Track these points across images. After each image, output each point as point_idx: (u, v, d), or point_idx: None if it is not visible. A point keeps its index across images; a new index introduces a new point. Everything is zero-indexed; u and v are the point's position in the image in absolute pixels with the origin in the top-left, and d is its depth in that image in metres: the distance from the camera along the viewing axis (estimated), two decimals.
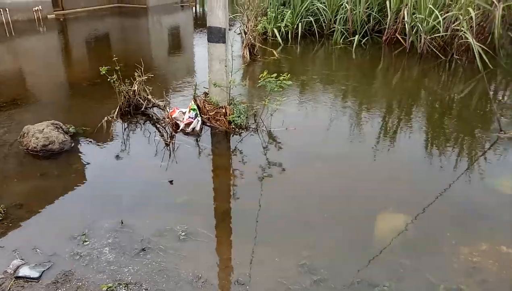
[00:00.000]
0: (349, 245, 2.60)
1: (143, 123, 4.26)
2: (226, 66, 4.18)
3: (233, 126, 4.11)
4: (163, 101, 4.40)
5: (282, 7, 8.52)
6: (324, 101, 5.09)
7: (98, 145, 3.83)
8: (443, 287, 2.24)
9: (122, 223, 2.66)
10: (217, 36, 4.10)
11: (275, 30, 8.10)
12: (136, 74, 4.27)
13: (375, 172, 3.50)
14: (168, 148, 3.80)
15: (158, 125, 4.20)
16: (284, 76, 3.98)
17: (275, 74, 4.05)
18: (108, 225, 2.65)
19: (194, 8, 15.22)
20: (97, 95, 5.06)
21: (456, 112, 4.86)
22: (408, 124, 4.43)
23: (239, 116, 4.11)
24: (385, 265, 2.40)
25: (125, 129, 4.16)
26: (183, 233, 2.58)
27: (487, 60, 6.08)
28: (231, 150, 3.82)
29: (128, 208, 2.89)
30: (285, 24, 8.15)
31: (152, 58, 7.37)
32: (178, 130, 4.03)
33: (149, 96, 4.39)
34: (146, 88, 4.39)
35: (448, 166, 3.56)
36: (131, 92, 4.30)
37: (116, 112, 4.20)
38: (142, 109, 4.36)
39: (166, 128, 4.11)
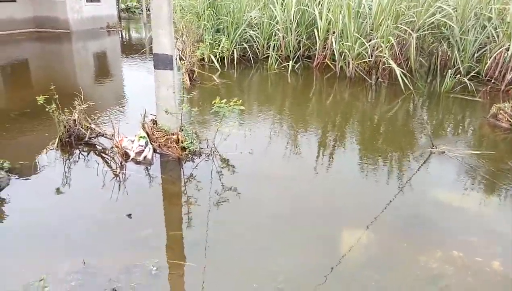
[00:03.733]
0: (312, 264, 2.65)
1: (88, 154, 3.96)
2: (174, 92, 4.10)
3: (187, 153, 4.01)
4: (105, 130, 4.16)
5: (217, 33, 8.67)
6: (270, 124, 5.22)
7: (39, 180, 3.47)
8: None
9: (84, 263, 2.41)
10: (164, 63, 4.03)
11: (212, 56, 8.18)
12: (75, 102, 3.99)
13: (327, 189, 3.66)
14: (118, 179, 3.58)
15: (105, 156, 3.94)
16: (236, 102, 4.02)
17: (224, 100, 4.07)
18: (68, 266, 2.39)
19: (120, 33, 14.78)
20: (29, 126, 4.60)
21: (388, 130, 5.31)
22: (348, 144, 4.72)
23: (192, 142, 4.03)
24: (353, 280, 2.49)
25: (68, 161, 3.83)
26: (155, 268, 2.42)
27: (407, 83, 6.77)
28: (186, 177, 3.71)
29: (87, 246, 2.64)
30: (221, 50, 8.29)
31: (80, 85, 6.95)
32: (129, 159, 3.82)
33: (92, 125, 4.12)
34: (87, 117, 4.11)
35: (391, 180, 3.85)
36: (72, 122, 3.99)
37: (56, 144, 3.86)
38: (86, 139, 4.07)
39: (115, 158, 3.88)
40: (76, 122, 4.03)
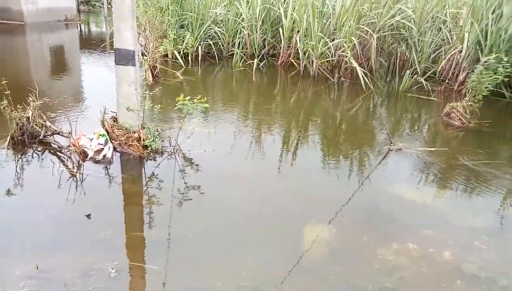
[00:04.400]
0: (280, 261, 2.68)
1: (42, 154, 3.78)
2: (136, 89, 4.00)
3: (149, 151, 3.93)
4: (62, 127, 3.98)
5: (181, 29, 8.53)
6: (234, 121, 5.21)
7: None
8: (372, 288, 2.47)
9: (37, 268, 2.30)
10: (125, 58, 3.92)
11: (176, 52, 8.05)
12: (29, 99, 3.80)
13: (290, 187, 3.71)
14: (76, 179, 3.44)
15: (61, 155, 3.77)
16: (200, 99, 3.98)
17: (188, 97, 4.02)
18: (20, 272, 2.27)
19: (79, 26, 14.21)
20: None
21: (349, 128, 5.45)
22: (311, 142, 4.81)
23: (154, 140, 3.95)
24: (315, 274, 2.55)
25: (20, 161, 3.63)
26: (114, 270, 2.36)
27: (368, 82, 6.98)
28: (148, 176, 3.64)
29: (41, 250, 2.52)
30: (185, 46, 8.17)
31: (35, 81, 6.62)
32: (87, 158, 3.69)
33: (48, 123, 3.93)
34: (42, 114, 3.92)
35: (352, 177, 3.97)
36: (25, 119, 3.80)
37: (7, 142, 3.65)
38: (40, 137, 3.88)
39: (72, 157, 3.73)
40: (30, 120, 3.84)
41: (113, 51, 3.92)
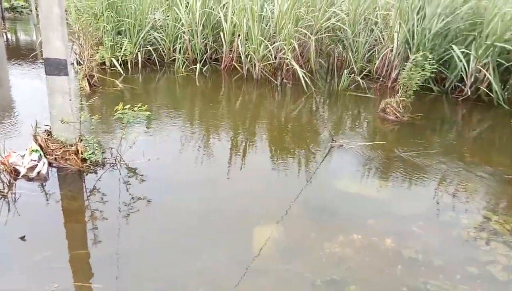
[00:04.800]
0: (232, 264, 2.69)
1: None
2: (70, 100, 3.80)
3: (88, 164, 3.74)
4: None
5: (118, 36, 8.24)
6: (179, 128, 5.13)
7: None
8: (320, 281, 2.55)
9: None
10: (57, 68, 3.71)
11: (114, 60, 7.76)
12: None
13: (239, 190, 3.73)
14: (7, 200, 3.19)
15: None
16: (140, 107, 3.87)
17: (128, 105, 3.90)
18: None
19: (5, 35, 13.21)
20: None
21: (294, 128, 5.59)
22: (257, 143, 4.87)
23: (93, 153, 3.77)
24: (267, 275, 2.58)
25: None
26: None
27: (309, 83, 7.20)
28: (89, 190, 3.46)
29: None
30: (124, 53, 7.90)
31: None
32: (19, 177, 3.43)
33: None
34: None
35: (298, 174, 4.07)
36: None
37: None
38: None
39: (2, 176, 3.45)
40: None
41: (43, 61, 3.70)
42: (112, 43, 7.88)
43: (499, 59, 6.98)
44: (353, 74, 7.95)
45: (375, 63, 8.20)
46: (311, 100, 6.96)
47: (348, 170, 4.26)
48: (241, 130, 5.32)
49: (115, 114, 3.81)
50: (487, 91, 7.07)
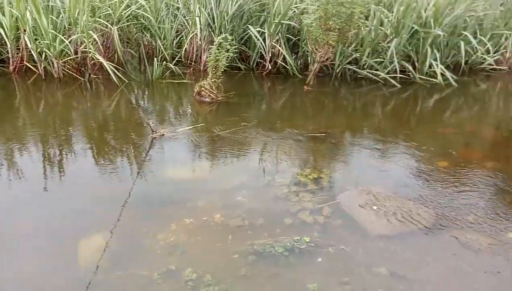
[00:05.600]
0: (60, 281, 2.40)
1: None
2: None
3: None
4: None
5: None
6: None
7: None
8: (157, 275, 2.52)
9: None
10: None
11: None
12: None
13: (64, 203, 3.33)
14: None
15: None
16: None
17: None
18: None
19: None
20: None
21: (111, 126, 5.25)
22: (75, 151, 4.37)
23: None
24: (100, 286, 2.41)
25: None
26: None
27: (120, 76, 6.83)
28: None
29: None
30: None
31: None
32: None
33: None
34: None
35: (124, 175, 3.87)
36: None
37: None
38: None
39: None
40: None
41: None
42: None
43: (288, 35, 8.06)
44: (165, 62, 7.91)
45: (185, 49, 8.33)
46: (125, 93, 6.64)
47: (173, 158, 4.28)
48: (52, 140, 4.66)
49: None
50: (283, 64, 8.11)
